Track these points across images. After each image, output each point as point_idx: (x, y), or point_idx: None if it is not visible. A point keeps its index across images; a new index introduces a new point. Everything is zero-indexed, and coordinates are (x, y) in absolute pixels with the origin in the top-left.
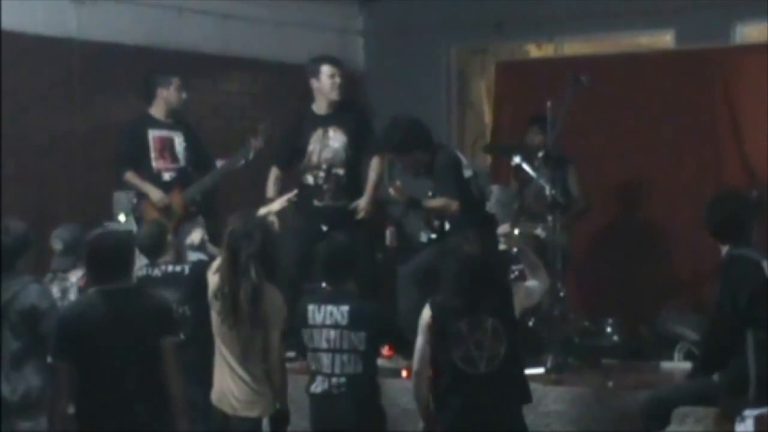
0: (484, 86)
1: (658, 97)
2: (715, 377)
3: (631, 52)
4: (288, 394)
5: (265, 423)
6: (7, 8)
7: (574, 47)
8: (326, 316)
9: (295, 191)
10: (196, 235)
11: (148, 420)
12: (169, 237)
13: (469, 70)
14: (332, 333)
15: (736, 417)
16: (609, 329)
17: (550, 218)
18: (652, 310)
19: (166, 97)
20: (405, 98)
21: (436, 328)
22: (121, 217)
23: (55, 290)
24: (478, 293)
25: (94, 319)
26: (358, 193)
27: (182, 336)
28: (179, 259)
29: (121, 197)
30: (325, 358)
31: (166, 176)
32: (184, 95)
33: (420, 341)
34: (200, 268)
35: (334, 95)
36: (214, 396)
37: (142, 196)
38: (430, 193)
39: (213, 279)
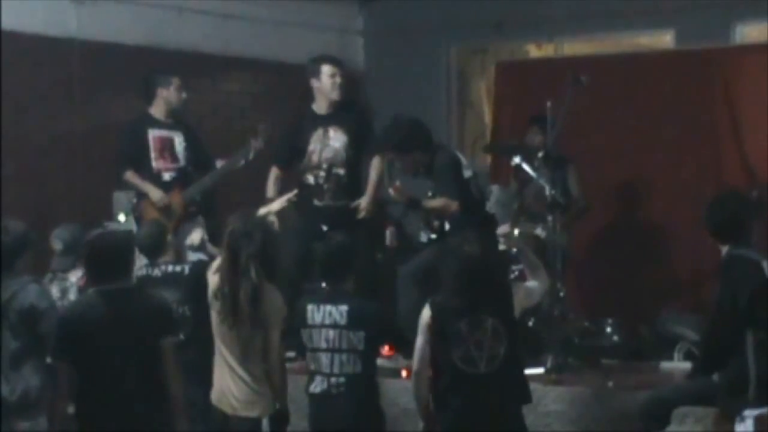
0: (484, 86)
1: (658, 97)
2: (715, 377)
3: (631, 52)
4: (288, 394)
5: (265, 423)
6: (7, 8)
7: (574, 47)
8: (325, 315)
9: (295, 191)
10: (196, 235)
11: (148, 420)
12: (169, 237)
13: (469, 70)
14: (331, 333)
15: (735, 417)
16: (609, 329)
17: (550, 218)
18: (652, 310)
19: (166, 97)
20: (405, 98)
21: (436, 328)
22: (121, 217)
23: (55, 290)
24: (478, 293)
25: (93, 320)
26: (359, 192)
27: (182, 336)
28: (179, 259)
29: (121, 197)
30: (324, 358)
31: (166, 176)
32: (184, 95)
33: (420, 341)
34: (200, 268)
35: (335, 95)
36: (214, 396)
37: (142, 195)
38: (429, 194)
39: (213, 279)
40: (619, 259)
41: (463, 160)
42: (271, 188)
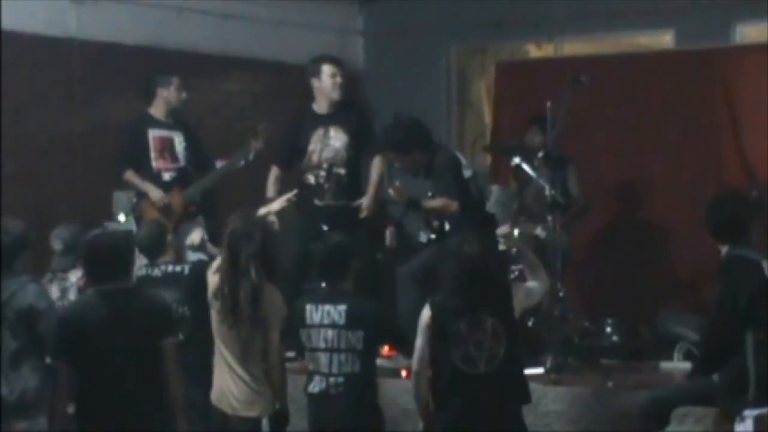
0: (484, 86)
1: (658, 97)
2: (715, 377)
3: (631, 52)
4: (288, 394)
5: (265, 423)
6: (7, 8)
7: (574, 47)
8: (324, 315)
9: (295, 191)
10: (196, 235)
11: (147, 420)
12: (169, 237)
13: (469, 70)
14: (330, 333)
15: (735, 417)
16: (609, 329)
17: (549, 218)
18: (652, 310)
19: (166, 97)
20: (405, 98)
21: (435, 328)
22: (121, 217)
23: (55, 290)
24: (478, 293)
25: (93, 320)
26: (359, 192)
27: (182, 336)
28: (179, 259)
29: (120, 197)
30: (323, 358)
31: (166, 176)
32: (184, 95)
33: (420, 341)
34: (200, 268)
35: (335, 95)
36: (214, 396)
37: (141, 195)
38: (429, 194)
39: (213, 279)
40: (619, 259)
41: (463, 160)
42: (271, 188)
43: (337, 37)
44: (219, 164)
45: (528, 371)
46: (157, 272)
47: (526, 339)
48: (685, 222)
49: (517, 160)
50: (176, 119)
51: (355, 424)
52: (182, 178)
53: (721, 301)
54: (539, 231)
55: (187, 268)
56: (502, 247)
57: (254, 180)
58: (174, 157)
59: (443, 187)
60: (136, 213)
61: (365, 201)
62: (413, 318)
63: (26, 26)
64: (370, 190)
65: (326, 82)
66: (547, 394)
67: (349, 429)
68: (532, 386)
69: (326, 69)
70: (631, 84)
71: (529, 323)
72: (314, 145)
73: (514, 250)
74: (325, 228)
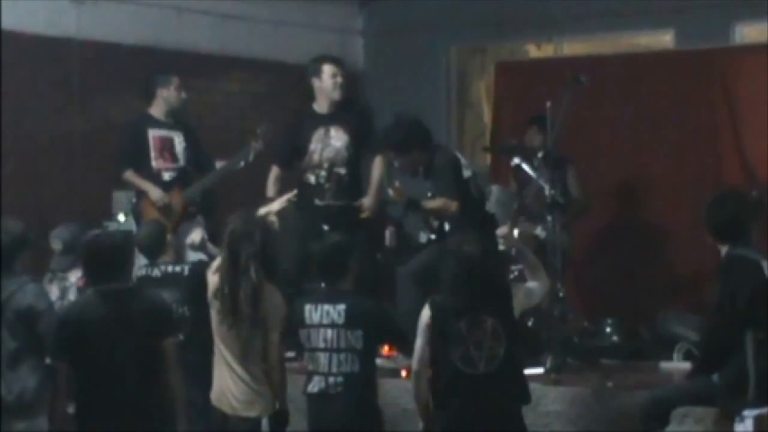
0: (484, 86)
1: (658, 97)
2: (715, 377)
3: (631, 52)
4: (288, 394)
5: (265, 423)
6: (7, 8)
7: (574, 47)
8: (323, 315)
9: (295, 191)
10: (196, 235)
11: (147, 420)
12: (169, 237)
13: (469, 70)
14: (329, 332)
15: (735, 417)
16: (608, 329)
17: (549, 218)
18: (652, 310)
19: (166, 97)
20: (405, 98)
21: (435, 328)
22: (121, 217)
23: (55, 290)
24: (478, 293)
25: (93, 320)
26: (360, 192)
27: (182, 336)
28: (179, 259)
29: (120, 197)
30: (323, 358)
31: (166, 176)
32: (184, 95)
33: (419, 341)
34: (200, 268)
35: (336, 95)
36: (214, 396)
37: (141, 195)
38: (429, 194)
39: (213, 279)
40: (619, 259)
41: (463, 160)
42: (271, 188)
43: (337, 37)
44: (219, 165)
45: (528, 371)
46: (157, 272)
47: (526, 339)
48: (685, 222)
49: (517, 160)
50: (176, 119)
51: (354, 423)
52: (182, 178)
53: (721, 301)
54: (539, 231)
55: (187, 268)
56: (501, 247)
57: (254, 180)
58: (174, 157)
59: (443, 187)
60: (135, 213)
61: (367, 201)
62: (413, 318)
63: (26, 26)
64: (372, 190)
65: (327, 82)
66: (547, 394)
67: (349, 429)
68: (532, 386)
69: (327, 69)
70: (631, 84)
71: (529, 323)
72: (315, 145)
73: (513, 250)
74: (325, 228)
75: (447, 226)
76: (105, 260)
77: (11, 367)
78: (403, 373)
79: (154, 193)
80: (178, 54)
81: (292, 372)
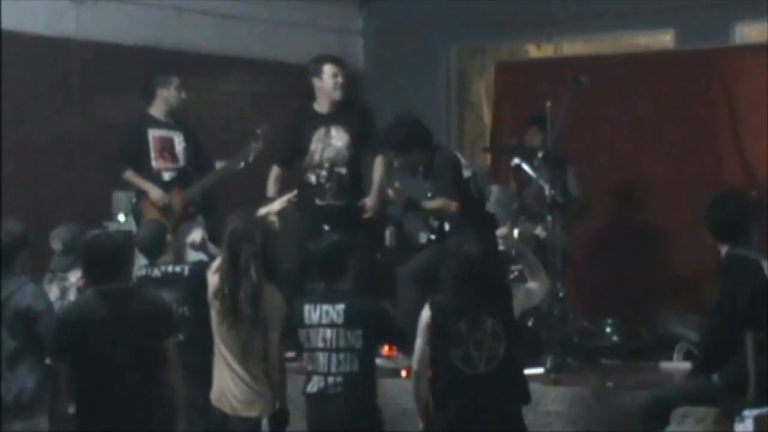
0: (484, 86)
1: (658, 97)
2: (715, 377)
3: (631, 52)
4: (288, 394)
5: (265, 423)
6: (7, 8)
7: (574, 47)
8: (322, 315)
9: (295, 191)
10: (196, 234)
11: (147, 420)
12: (169, 237)
13: (469, 70)
14: (328, 332)
15: (735, 417)
16: (609, 329)
17: (549, 218)
18: (652, 310)
19: (166, 97)
20: (405, 98)
21: (435, 328)
22: (121, 217)
23: (55, 290)
24: (478, 293)
25: (92, 320)
26: (360, 192)
27: (182, 336)
28: (179, 259)
29: (120, 197)
30: (322, 358)
31: (166, 176)
32: (184, 95)
33: (419, 341)
34: (200, 268)
35: (337, 95)
36: (214, 396)
37: (141, 195)
38: (429, 194)
39: (213, 279)
40: (619, 259)
41: (463, 160)
42: (271, 188)
43: (337, 37)
44: (219, 165)
45: (528, 371)
46: (157, 272)
47: (526, 339)
48: (685, 222)
49: (516, 160)
50: (176, 119)
51: (353, 424)
52: (182, 178)
53: (721, 301)
54: (539, 231)
55: (187, 268)
56: (501, 247)
57: (254, 180)
58: (174, 157)
59: (443, 187)
60: (135, 213)
61: (370, 202)
62: (413, 318)
63: (26, 26)
64: (375, 190)
65: (327, 82)
66: (547, 394)
67: (348, 429)
68: (532, 386)
69: (327, 69)
70: (631, 84)
71: (529, 323)
72: (316, 145)
73: (513, 250)
74: (326, 228)
75: (447, 226)
76: (105, 260)
77: (10, 367)
78: (403, 373)
79: (154, 193)
80: (178, 54)
81: (292, 372)
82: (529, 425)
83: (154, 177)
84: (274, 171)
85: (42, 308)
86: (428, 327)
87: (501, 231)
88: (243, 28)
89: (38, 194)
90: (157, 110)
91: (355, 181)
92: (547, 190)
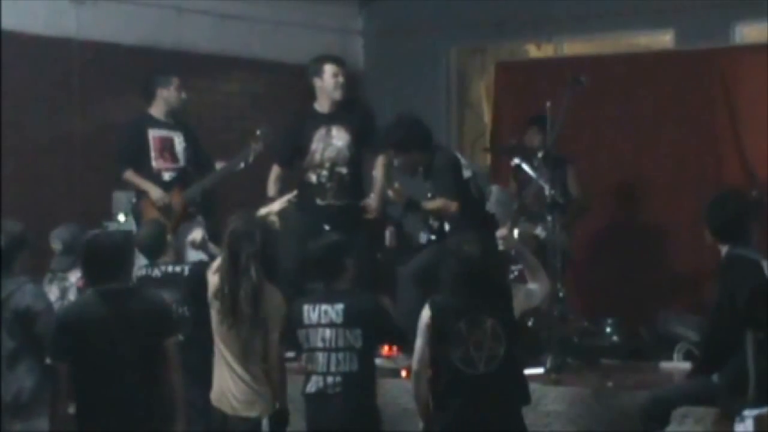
0: (484, 86)
1: (658, 97)
2: (715, 377)
3: (631, 52)
4: (288, 394)
5: (265, 423)
6: (7, 8)
7: (574, 47)
8: (321, 315)
9: (296, 191)
10: (197, 234)
11: (147, 420)
12: (169, 237)
13: (469, 70)
14: (328, 332)
15: (735, 417)
16: (608, 329)
17: (549, 218)
18: (652, 310)
19: (166, 97)
20: (405, 98)
21: (435, 329)
22: (121, 217)
23: (55, 290)
24: (478, 294)
25: (92, 320)
26: (361, 191)
27: (182, 336)
28: (179, 259)
29: (120, 197)
30: (321, 357)
31: (166, 176)
32: (184, 95)
33: (419, 341)
34: (200, 268)
35: (337, 94)
36: (214, 396)
37: (141, 195)
38: (429, 194)
39: (213, 279)
40: (619, 259)
41: (463, 161)
42: (272, 187)
43: (337, 37)
44: (219, 165)
45: (528, 371)
46: (157, 272)
47: (526, 339)
48: (685, 222)
49: (516, 160)
50: (176, 119)
51: (353, 423)
52: (182, 178)
53: (721, 300)
54: (539, 231)
55: (187, 269)
56: (501, 247)
57: (254, 180)
58: (174, 157)
59: (443, 187)
60: (135, 213)
61: (372, 202)
62: (413, 318)
63: (26, 26)
64: (377, 191)
65: (328, 82)
66: (547, 394)
67: (347, 429)
68: (532, 386)
69: (328, 68)
70: (631, 84)
71: (529, 323)
72: (316, 144)
73: (513, 251)
74: (326, 227)
75: (447, 227)
76: (105, 260)
77: (9, 367)
78: (403, 373)
79: (154, 193)
80: (178, 54)
81: (292, 372)
82: (529, 425)
83: (154, 177)
84: (275, 171)
85: (41, 308)
86: (428, 327)
87: (501, 231)
88: (243, 28)
89: (38, 194)
90: (157, 110)
91: (355, 181)
92: (547, 190)
